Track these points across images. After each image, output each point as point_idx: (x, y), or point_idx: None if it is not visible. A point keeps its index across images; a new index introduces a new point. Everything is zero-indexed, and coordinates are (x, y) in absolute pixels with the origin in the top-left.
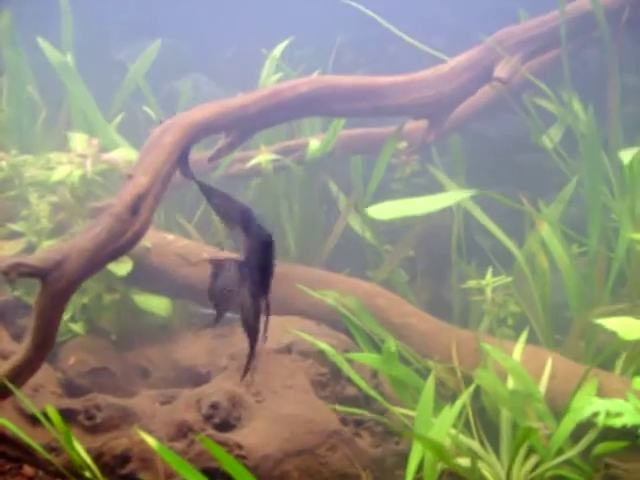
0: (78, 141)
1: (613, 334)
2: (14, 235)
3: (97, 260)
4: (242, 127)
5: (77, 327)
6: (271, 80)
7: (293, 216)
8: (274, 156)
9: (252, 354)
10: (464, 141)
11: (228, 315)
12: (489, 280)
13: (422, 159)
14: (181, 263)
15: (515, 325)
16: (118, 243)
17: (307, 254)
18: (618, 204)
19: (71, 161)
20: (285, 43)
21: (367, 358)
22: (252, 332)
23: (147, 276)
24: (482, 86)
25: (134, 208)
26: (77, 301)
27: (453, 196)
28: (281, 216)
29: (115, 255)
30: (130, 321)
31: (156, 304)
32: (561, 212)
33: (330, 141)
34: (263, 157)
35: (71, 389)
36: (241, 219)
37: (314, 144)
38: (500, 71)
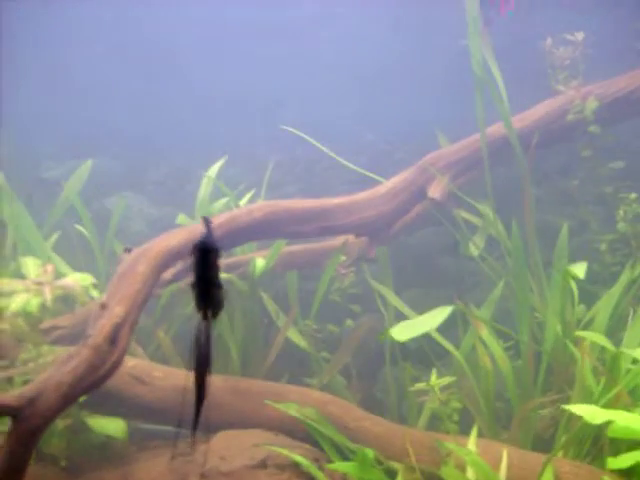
0: (31, 267)
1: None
2: None
3: (74, 394)
4: None
5: None
6: (206, 198)
7: (234, 330)
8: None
9: (201, 394)
10: (389, 249)
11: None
12: (435, 381)
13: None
14: (134, 382)
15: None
16: (97, 375)
17: (249, 365)
18: (543, 303)
19: (27, 289)
20: (220, 163)
21: (345, 467)
22: (202, 358)
23: (99, 398)
24: (416, 204)
25: (112, 339)
26: None
27: (445, 311)
28: (223, 330)
29: (93, 387)
30: (80, 445)
31: (112, 427)
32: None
33: (273, 258)
34: None
35: None
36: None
37: (260, 262)
38: (434, 192)
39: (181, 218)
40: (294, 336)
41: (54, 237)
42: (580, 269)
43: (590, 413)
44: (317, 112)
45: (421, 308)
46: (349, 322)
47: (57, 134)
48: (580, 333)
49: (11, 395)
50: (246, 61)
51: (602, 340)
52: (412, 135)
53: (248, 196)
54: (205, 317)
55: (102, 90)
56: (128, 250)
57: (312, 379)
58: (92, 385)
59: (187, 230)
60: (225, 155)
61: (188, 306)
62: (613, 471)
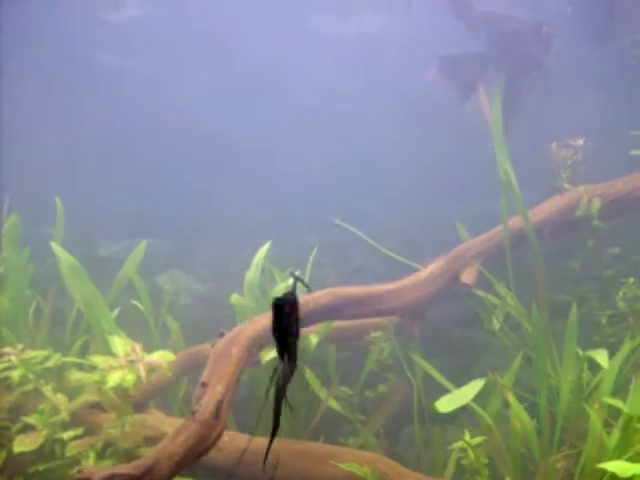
0: (119, 345)
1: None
2: (27, 428)
3: (184, 463)
4: None
5: None
6: (255, 278)
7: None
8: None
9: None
10: None
11: None
12: (468, 440)
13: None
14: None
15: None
16: (204, 445)
17: (294, 428)
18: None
19: (121, 366)
20: (267, 245)
21: None
22: (280, 395)
23: None
24: (450, 288)
25: (216, 414)
26: None
27: (479, 383)
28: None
29: (200, 456)
30: None
31: None
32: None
33: (322, 334)
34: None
35: None
36: None
37: (314, 339)
38: (466, 278)
39: (234, 298)
40: (331, 401)
41: (116, 312)
42: (602, 358)
43: (621, 468)
44: (351, 201)
45: (445, 375)
46: (382, 387)
47: (112, 214)
48: (606, 399)
49: (132, 465)
50: (291, 155)
51: (619, 404)
52: (432, 224)
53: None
54: (284, 366)
55: (155, 175)
56: (221, 334)
57: (346, 439)
58: (199, 454)
59: (268, 316)
60: (270, 240)
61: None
62: None
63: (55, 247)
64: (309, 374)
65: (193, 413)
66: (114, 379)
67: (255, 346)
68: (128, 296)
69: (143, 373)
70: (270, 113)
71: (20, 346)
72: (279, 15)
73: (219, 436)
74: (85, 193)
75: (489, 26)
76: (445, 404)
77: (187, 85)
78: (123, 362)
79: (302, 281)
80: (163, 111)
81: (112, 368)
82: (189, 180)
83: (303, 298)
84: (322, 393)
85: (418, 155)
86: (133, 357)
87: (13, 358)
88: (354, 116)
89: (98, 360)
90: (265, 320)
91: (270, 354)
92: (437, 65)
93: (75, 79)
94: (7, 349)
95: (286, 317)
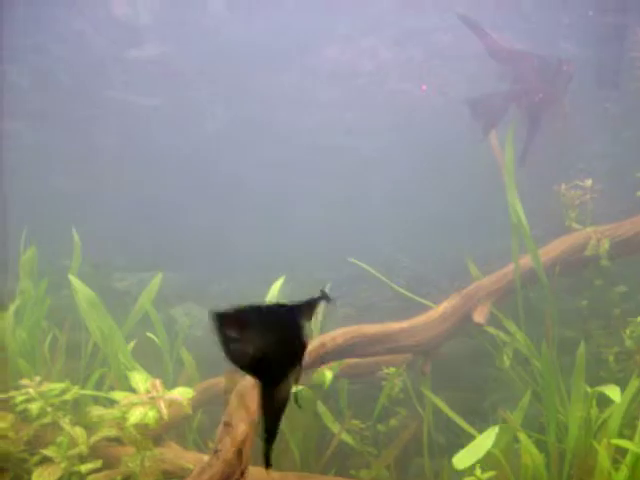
0: (140, 381)
1: None
2: (45, 461)
3: None
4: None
5: None
6: None
7: (294, 432)
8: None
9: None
10: None
11: None
12: (479, 475)
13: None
14: None
15: None
16: None
17: (307, 461)
18: (565, 407)
19: (143, 402)
20: (281, 280)
21: None
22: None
23: None
24: (462, 327)
25: (239, 453)
26: None
27: (494, 431)
28: (283, 432)
29: None
30: None
31: None
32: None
33: (336, 370)
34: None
35: None
36: None
37: (328, 374)
38: (478, 317)
39: None
40: (343, 434)
41: (132, 344)
42: (615, 393)
43: None
44: (363, 238)
45: (455, 409)
46: (393, 421)
47: (128, 247)
48: (615, 441)
49: None
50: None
51: (628, 445)
52: (442, 262)
53: None
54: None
55: (171, 210)
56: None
57: (357, 471)
58: None
59: None
60: (283, 274)
61: None
62: None
63: (73, 280)
64: (321, 407)
65: (216, 452)
66: (136, 416)
67: None
68: (143, 328)
69: (164, 410)
70: (283, 150)
71: (38, 378)
72: (294, 53)
73: (242, 474)
74: (102, 226)
75: (513, 61)
76: (462, 460)
77: (204, 122)
78: (144, 399)
79: (327, 297)
80: (179, 147)
81: (133, 404)
82: (204, 215)
83: (320, 338)
84: (334, 426)
85: (430, 192)
86: (154, 393)
87: (31, 390)
88: (367, 154)
89: (119, 396)
90: None
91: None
92: (466, 108)
93: (92, 115)
94: (25, 381)
95: (234, 331)
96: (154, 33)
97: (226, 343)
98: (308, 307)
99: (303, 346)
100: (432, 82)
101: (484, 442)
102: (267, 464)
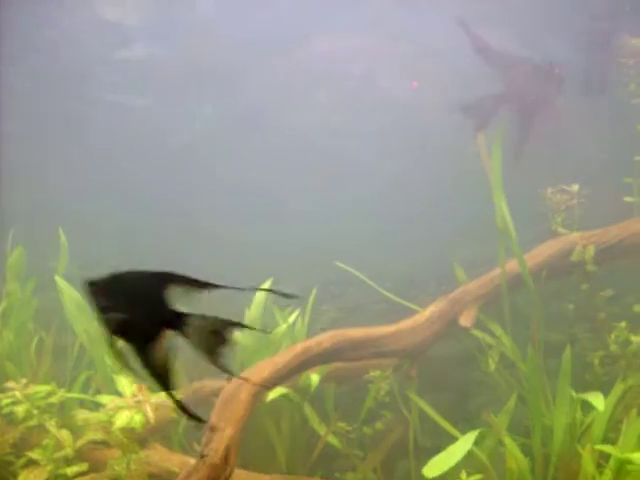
0: (126, 385)
1: None
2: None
3: None
4: (286, 376)
5: None
6: (257, 315)
7: (281, 435)
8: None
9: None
10: None
11: None
12: (465, 479)
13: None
14: None
15: None
16: None
17: (293, 463)
18: (550, 411)
19: (129, 406)
20: (268, 281)
21: None
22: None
23: None
24: (448, 330)
25: (226, 457)
26: None
27: (471, 437)
28: (271, 433)
29: None
30: None
31: None
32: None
33: (322, 373)
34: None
35: None
36: None
37: (315, 378)
38: (465, 321)
39: (235, 335)
40: (329, 437)
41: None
42: (598, 401)
43: None
44: (351, 241)
45: (440, 412)
46: (379, 424)
47: (117, 249)
48: (599, 447)
49: None
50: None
51: (611, 450)
52: (430, 265)
53: (293, 316)
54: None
55: (160, 210)
56: (229, 379)
57: (343, 474)
58: None
59: (273, 362)
60: (270, 278)
61: None
62: None
63: (59, 281)
64: (308, 410)
65: (202, 457)
66: (122, 420)
67: (262, 392)
68: None
69: (151, 414)
70: (274, 150)
71: (24, 381)
72: (286, 52)
73: (228, 478)
74: (91, 227)
75: (505, 65)
76: (432, 469)
77: (193, 122)
78: (130, 402)
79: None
80: (168, 147)
81: (119, 408)
82: (194, 215)
83: (306, 342)
84: (321, 429)
85: (418, 195)
86: (140, 397)
87: (17, 393)
88: (356, 155)
89: (105, 400)
90: (271, 366)
91: (273, 393)
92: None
93: (81, 116)
94: (11, 384)
95: (104, 298)
96: (143, 33)
97: (97, 309)
98: (179, 278)
99: (172, 312)
100: (424, 80)
101: (457, 451)
102: (185, 413)
